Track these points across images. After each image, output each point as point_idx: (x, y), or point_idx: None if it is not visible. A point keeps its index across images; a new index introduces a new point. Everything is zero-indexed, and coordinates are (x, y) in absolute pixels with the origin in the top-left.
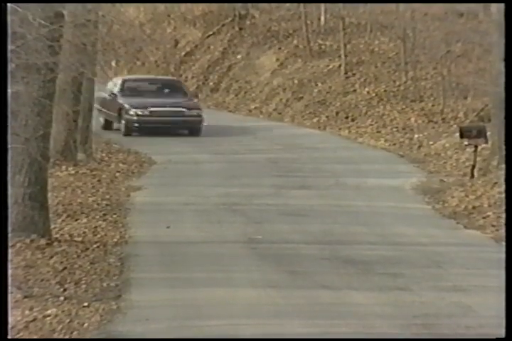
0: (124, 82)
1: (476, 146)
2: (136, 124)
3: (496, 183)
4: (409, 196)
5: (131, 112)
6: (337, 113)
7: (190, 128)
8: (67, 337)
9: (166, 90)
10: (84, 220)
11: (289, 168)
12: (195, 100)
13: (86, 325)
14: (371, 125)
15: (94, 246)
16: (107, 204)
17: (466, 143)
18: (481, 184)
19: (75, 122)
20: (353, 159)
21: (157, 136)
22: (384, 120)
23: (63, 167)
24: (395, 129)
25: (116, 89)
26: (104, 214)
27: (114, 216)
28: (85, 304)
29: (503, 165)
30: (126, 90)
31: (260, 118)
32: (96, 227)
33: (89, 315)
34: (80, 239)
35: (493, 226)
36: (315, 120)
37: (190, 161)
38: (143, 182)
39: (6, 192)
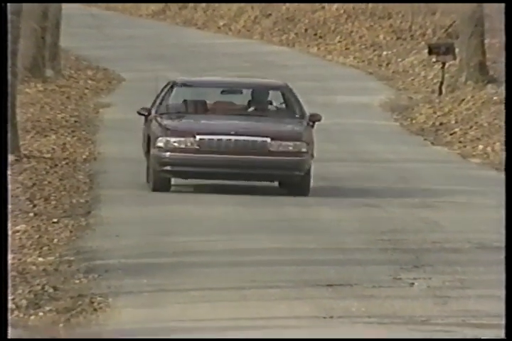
0: (171, 87)
1: (443, 63)
2: (168, 167)
3: (463, 100)
4: (378, 113)
5: (160, 143)
6: (306, 30)
7: (280, 178)
8: (36, 252)
9: (255, 105)
10: (53, 137)
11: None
12: (305, 123)
13: (55, 240)
14: (340, 42)
15: (63, 162)
16: (75, 121)
17: (434, 59)
18: (449, 101)
19: (42, 39)
20: (321, 76)
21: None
22: (352, 37)
23: (32, 83)
24: (363, 46)
25: (157, 101)
26: (73, 131)
27: (83, 133)
28: (55, 220)
29: (470, 82)
30: (171, 104)
31: (229, 36)
32: (65, 144)
33: (58, 231)
34: (49, 155)
35: (460, 142)
36: (284, 37)
37: (159, 78)
38: (112, 99)
39: (6, 192)
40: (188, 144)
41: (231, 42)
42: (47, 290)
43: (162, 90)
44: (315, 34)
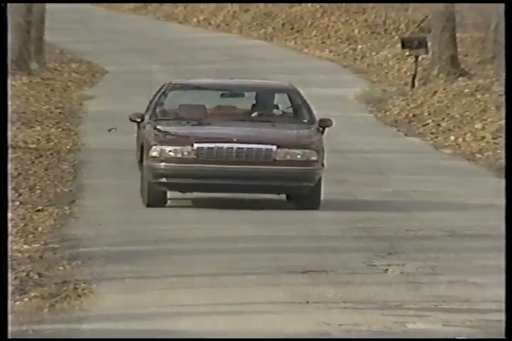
0: (166, 90)
1: (416, 56)
2: (163, 179)
3: (435, 92)
4: (353, 105)
5: (154, 153)
6: (283, 24)
7: (287, 190)
8: (22, 240)
9: (259, 109)
10: (38, 128)
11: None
12: (314, 129)
13: (40, 228)
14: (316, 36)
15: (48, 153)
16: (60, 113)
17: (407, 53)
18: (422, 93)
19: (28, 33)
20: (298, 69)
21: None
22: (328, 31)
23: (17, 76)
24: (338, 40)
25: (151, 106)
26: (58, 122)
27: (67, 124)
28: (39, 208)
29: (442, 75)
30: (166, 109)
31: (209, 30)
32: (49, 135)
33: (43, 219)
34: (34, 146)
35: (432, 133)
36: (262, 31)
37: (141, 71)
38: (95, 92)
39: (6, 192)
40: (185, 153)
41: (211, 36)
42: (32, 277)
43: (156, 94)
44: (292, 28)
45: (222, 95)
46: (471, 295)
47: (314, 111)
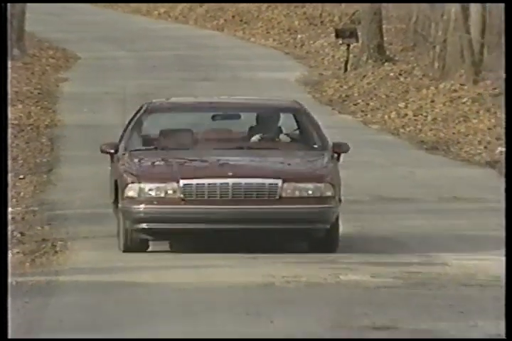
0: (144, 112)
1: (348, 45)
2: (144, 225)
3: (364, 76)
4: (294, 87)
5: (131, 192)
6: (233, 17)
7: (298, 234)
8: None
9: (259, 133)
10: (20, 106)
11: (193, 63)
12: (327, 156)
13: (22, 194)
14: (261, 27)
15: (29, 128)
16: (39, 93)
17: (340, 42)
18: (353, 76)
19: (11, 23)
20: (246, 56)
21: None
22: (272, 23)
23: None
24: (281, 31)
25: (126, 134)
26: (37, 102)
27: (45, 103)
28: (21, 176)
29: (370, 61)
30: (144, 137)
31: (168, 22)
32: (30, 112)
33: (25, 186)
34: (16, 122)
35: (362, 111)
36: (214, 23)
37: (109, 57)
38: (69, 75)
39: (6, 192)
40: (170, 192)
41: (170, 27)
42: (15, 236)
43: (132, 118)
44: (241, 20)
45: (213, 118)
46: (396, 249)
47: (260, 92)
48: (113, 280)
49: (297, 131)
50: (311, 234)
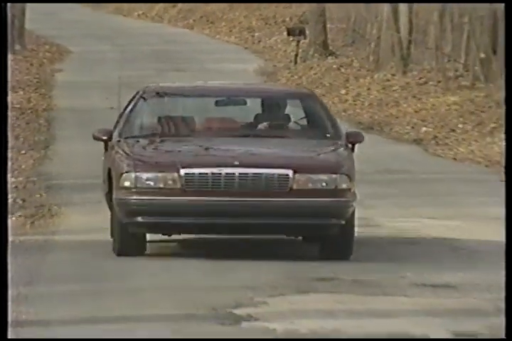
0: (141, 97)
1: (298, 41)
2: (139, 218)
3: (312, 67)
4: (252, 76)
5: (127, 182)
6: (201, 17)
7: (309, 230)
8: (9, 175)
9: (267, 120)
10: (21, 93)
11: (167, 56)
12: (341, 146)
13: (23, 166)
14: (225, 26)
15: (29, 111)
16: (37, 82)
17: (291, 39)
18: (302, 68)
19: (12, 23)
20: (212, 50)
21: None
22: (234, 23)
23: None
24: (241, 29)
25: (121, 120)
26: (36, 89)
27: (43, 90)
28: (23, 152)
29: (316, 55)
30: (141, 124)
31: (146, 21)
32: (30, 98)
33: (25, 160)
34: (18, 106)
35: None
36: (185, 22)
37: (97, 51)
38: (63, 66)
39: (6, 192)
40: (169, 182)
41: (148, 25)
42: (17, 202)
43: (128, 104)
44: (207, 20)
45: (216, 103)
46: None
47: (224, 80)
48: (101, 239)
49: (305, 119)
50: (324, 230)
